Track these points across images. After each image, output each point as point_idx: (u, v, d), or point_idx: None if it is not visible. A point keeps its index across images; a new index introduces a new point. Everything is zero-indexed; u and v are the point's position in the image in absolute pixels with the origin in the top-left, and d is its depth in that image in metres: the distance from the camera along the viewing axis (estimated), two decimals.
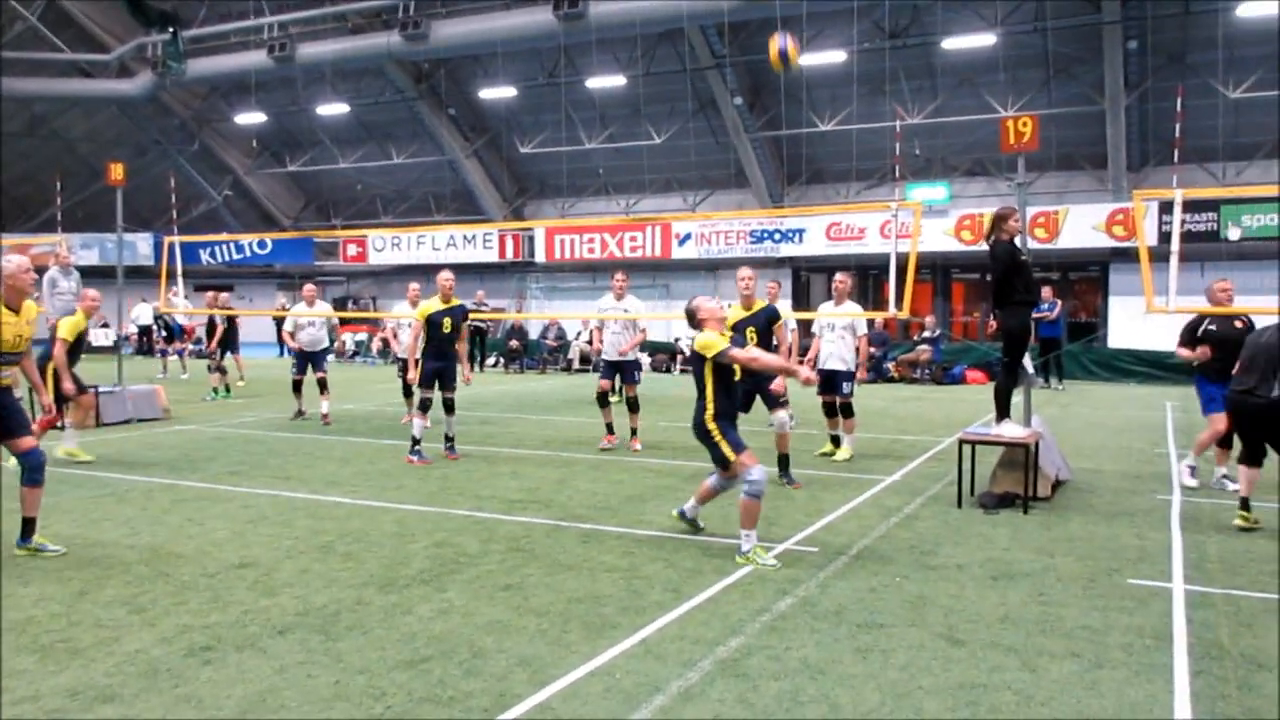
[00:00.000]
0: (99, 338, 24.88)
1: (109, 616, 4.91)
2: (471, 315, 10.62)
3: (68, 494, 8.00)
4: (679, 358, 23.60)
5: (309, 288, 13.60)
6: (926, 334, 20.48)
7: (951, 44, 21.87)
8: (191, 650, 4.45)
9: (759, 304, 8.72)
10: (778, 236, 24.75)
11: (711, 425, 6.27)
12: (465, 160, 29.20)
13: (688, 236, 25.87)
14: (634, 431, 10.67)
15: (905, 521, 7.11)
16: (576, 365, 23.59)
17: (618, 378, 11.40)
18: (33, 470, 6.04)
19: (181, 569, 5.78)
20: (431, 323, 9.86)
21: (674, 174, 28.08)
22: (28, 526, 6.10)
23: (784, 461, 8.48)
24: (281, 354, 27.82)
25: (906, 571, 5.76)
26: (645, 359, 23.53)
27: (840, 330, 9.93)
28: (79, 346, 9.76)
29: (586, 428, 12.28)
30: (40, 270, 10.53)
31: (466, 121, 29.12)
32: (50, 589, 5.37)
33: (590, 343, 17.94)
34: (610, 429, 10.84)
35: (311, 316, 13.17)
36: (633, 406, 10.71)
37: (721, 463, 6.30)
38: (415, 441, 9.72)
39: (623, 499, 7.91)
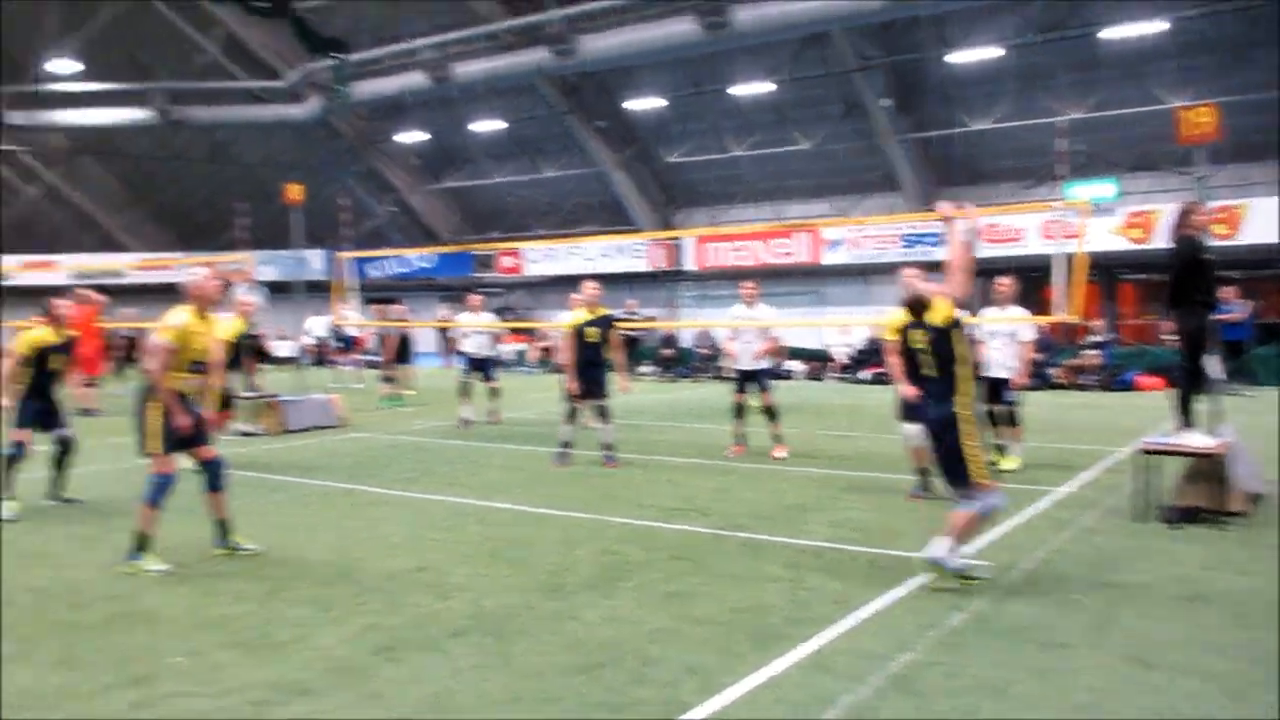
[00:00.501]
0: (281, 349, 26.36)
1: (299, 615, 5.21)
2: (622, 324, 10.77)
3: (256, 498, 8.51)
4: (828, 365, 23.25)
5: (475, 297, 14.32)
6: (1094, 338, 19.51)
7: (1113, 33, 20.76)
8: (376, 649, 4.67)
9: None
10: (932, 240, 24.06)
11: (967, 415, 5.42)
12: (614, 172, 29.63)
13: (839, 242, 25.46)
14: (776, 439, 10.57)
15: (1082, 535, 6.78)
16: (730, 373, 23.56)
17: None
18: (214, 477, 6.44)
19: (362, 571, 6.07)
20: (578, 333, 10.09)
21: (822, 179, 27.71)
22: (222, 527, 6.53)
23: (924, 474, 8.15)
24: (447, 363, 29.04)
25: (1086, 589, 5.49)
26: (799, 366, 23.32)
27: (1004, 336, 9.59)
28: (239, 353, 10.37)
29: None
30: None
31: (615, 133, 29.55)
32: (245, 587, 5.73)
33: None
34: (740, 439, 10.80)
35: (477, 325, 13.86)
36: (771, 415, 10.62)
37: (959, 475, 5.46)
38: (563, 446, 10.10)
39: (783, 508, 7.84)
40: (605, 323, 10.25)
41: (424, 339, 32.35)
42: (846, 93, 24.89)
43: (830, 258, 25.67)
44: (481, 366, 13.98)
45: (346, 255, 16.37)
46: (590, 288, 10.31)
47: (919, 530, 6.90)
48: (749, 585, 5.65)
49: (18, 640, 4.82)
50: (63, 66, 28.88)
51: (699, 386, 22.12)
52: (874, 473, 9.45)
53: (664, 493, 8.61)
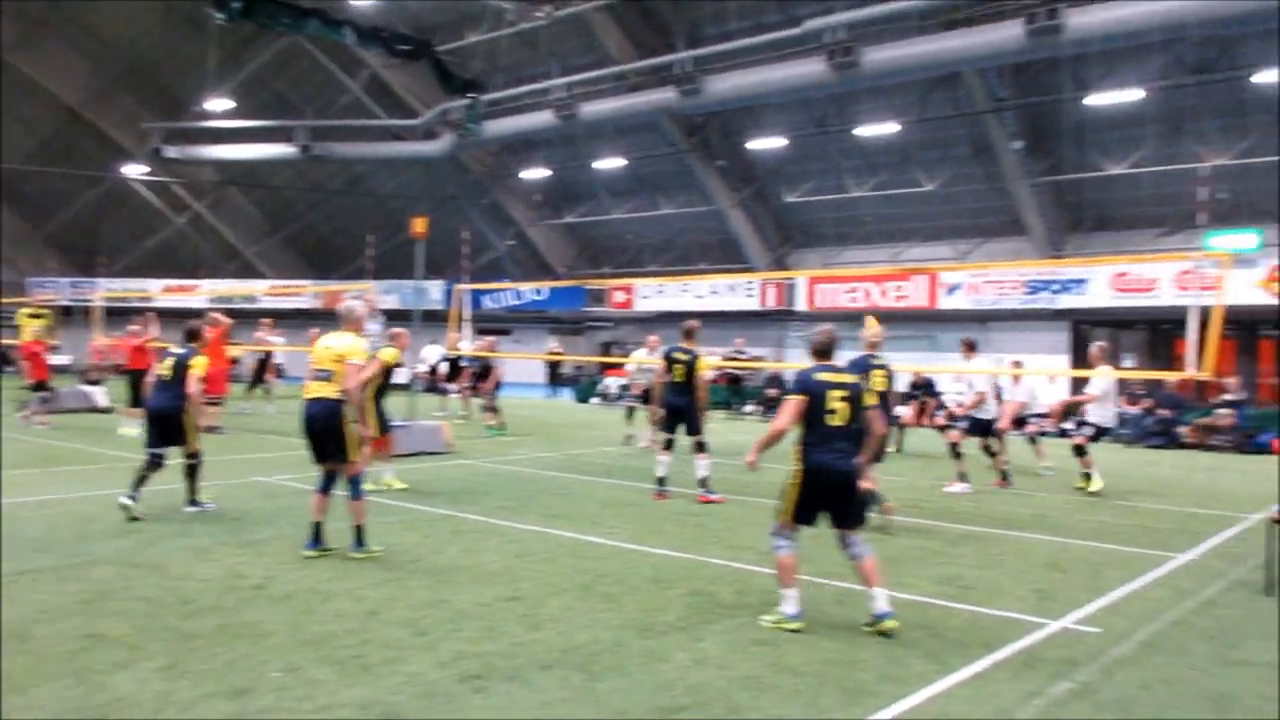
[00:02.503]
0: (395, 376, 27.17)
1: (395, 637, 5.31)
2: (730, 363, 11.12)
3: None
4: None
5: (654, 338, 15.81)
6: (1228, 397, 18.46)
7: (1266, 78, 19.72)
8: (464, 677, 4.72)
9: None
10: (1056, 287, 23.31)
11: None
12: (731, 210, 29.66)
13: (957, 286, 24.90)
14: None
15: (1202, 607, 6.40)
16: None
17: None
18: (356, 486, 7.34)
19: (459, 596, 6.17)
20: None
21: (944, 221, 27.19)
22: (358, 534, 7.30)
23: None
24: (552, 394, 29.45)
25: (1206, 664, 5.18)
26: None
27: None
28: (388, 380, 10.80)
29: None
30: None
31: (735, 172, 29.64)
32: (346, 606, 5.89)
33: None
34: None
35: (651, 363, 15.08)
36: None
37: None
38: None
39: (882, 561, 7.62)
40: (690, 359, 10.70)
41: (530, 370, 32.86)
42: (975, 134, 24.40)
43: (948, 302, 25.09)
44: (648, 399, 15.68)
45: (464, 287, 16.83)
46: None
47: (1025, 589, 6.66)
48: (842, 637, 5.52)
49: (127, 648, 5.05)
50: (218, 104, 30.68)
51: None
52: (986, 528, 9.14)
53: (759, 536, 8.46)
